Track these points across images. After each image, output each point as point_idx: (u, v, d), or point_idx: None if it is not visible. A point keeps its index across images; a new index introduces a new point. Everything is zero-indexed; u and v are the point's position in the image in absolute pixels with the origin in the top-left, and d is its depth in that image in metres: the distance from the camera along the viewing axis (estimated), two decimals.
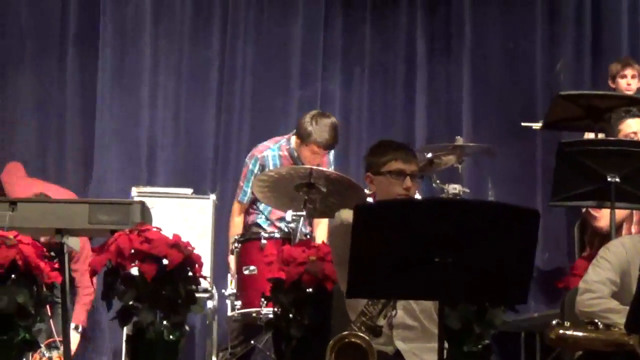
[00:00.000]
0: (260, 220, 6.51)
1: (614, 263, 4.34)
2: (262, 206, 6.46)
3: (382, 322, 3.83)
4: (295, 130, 6.45)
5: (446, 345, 3.81)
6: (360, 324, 3.77)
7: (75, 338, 6.49)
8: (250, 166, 6.45)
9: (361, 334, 3.72)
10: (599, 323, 4.12)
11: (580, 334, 4.14)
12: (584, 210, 6.28)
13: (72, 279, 6.31)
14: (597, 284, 4.30)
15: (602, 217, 5.96)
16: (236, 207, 6.55)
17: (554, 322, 4.20)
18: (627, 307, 4.08)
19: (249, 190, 6.41)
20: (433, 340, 3.88)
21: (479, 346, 4.78)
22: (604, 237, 5.72)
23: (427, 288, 3.31)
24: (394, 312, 3.93)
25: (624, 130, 5.60)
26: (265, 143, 6.56)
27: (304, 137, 6.30)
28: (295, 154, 6.42)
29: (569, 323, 4.17)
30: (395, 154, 4.16)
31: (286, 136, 6.56)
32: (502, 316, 4.83)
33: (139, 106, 7.68)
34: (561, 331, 4.14)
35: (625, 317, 4.01)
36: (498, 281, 3.31)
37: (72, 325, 6.41)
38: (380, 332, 3.83)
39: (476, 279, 3.29)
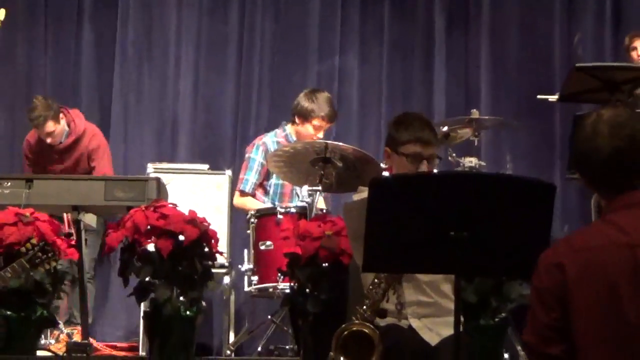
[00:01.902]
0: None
1: None
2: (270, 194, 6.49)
3: (386, 305, 3.79)
4: (289, 120, 6.51)
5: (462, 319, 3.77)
6: (366, 307, 3.73)
7: None
8: (252, 154, 6.47)
9: (368, 324, 3.66)
10: None
11: None
12: None
13: None
14: None
15: None
16: (239, 195, 6.54)
17: None
18: None
19: (250, 179, 6.44)
20: (446, 314, 3.87)
21: (496, 320, 4.77)
22: None
23: (443, 262, 3.29)
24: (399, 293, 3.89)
25: None
26: (259, 137, 6.63)
27: (306, 115, 6.35)
28: (293, 137, 6.43)
29: None
30: (416, 135, 4.01)
31: (276, 129, 6.61)
32: (519, 290, 4.80)
33: (160, 81, 7.72)
34: None
35: None
36: (514, 254, 3.29)
37: None
38: (385, 314, 3.80)
39: (492, 252, 3.27)
